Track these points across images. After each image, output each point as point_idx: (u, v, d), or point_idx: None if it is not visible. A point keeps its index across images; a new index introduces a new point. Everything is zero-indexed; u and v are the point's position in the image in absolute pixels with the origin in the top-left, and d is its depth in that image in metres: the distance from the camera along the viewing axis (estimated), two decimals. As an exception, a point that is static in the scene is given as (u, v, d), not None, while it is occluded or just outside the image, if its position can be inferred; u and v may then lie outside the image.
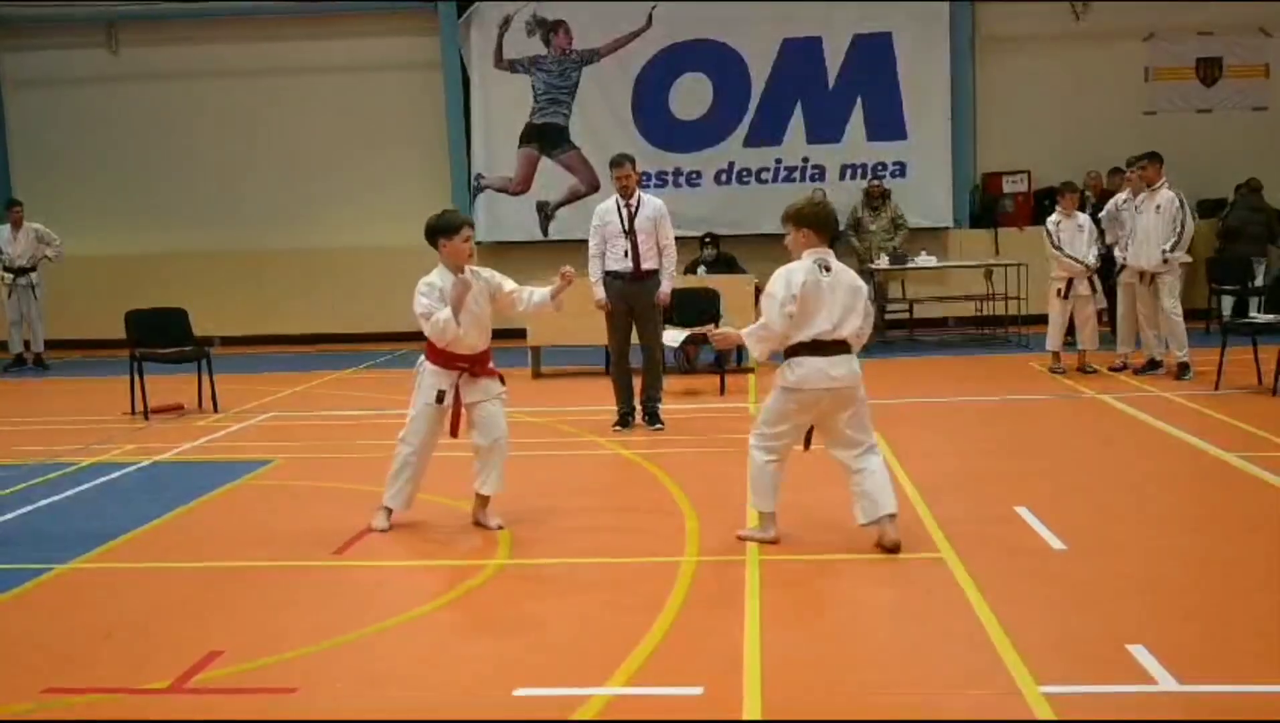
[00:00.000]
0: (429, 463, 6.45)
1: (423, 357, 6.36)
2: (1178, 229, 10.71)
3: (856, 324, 5.62)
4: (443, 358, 6.25)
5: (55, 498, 7.48)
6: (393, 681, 4.31)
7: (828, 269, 5.56)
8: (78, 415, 10.76)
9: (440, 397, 6.23)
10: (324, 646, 4.67)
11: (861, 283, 5.73)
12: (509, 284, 6.45)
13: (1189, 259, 14.55)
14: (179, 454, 8.86)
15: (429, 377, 6.28)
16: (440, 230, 6.24)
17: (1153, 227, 10.79)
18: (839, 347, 5.57)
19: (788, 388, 5.64)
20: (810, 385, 5.56)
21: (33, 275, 14.47)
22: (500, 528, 6.28)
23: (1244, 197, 15.09)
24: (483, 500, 6.38)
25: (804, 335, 5.54)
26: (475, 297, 6.20)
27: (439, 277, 6.23)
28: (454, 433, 6.31)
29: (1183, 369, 10.69)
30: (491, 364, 6.38)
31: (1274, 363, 9.61)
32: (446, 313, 6.07)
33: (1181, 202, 10.80)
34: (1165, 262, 10.74)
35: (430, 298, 6.18)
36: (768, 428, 5.76)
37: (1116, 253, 11.33)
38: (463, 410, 6.29)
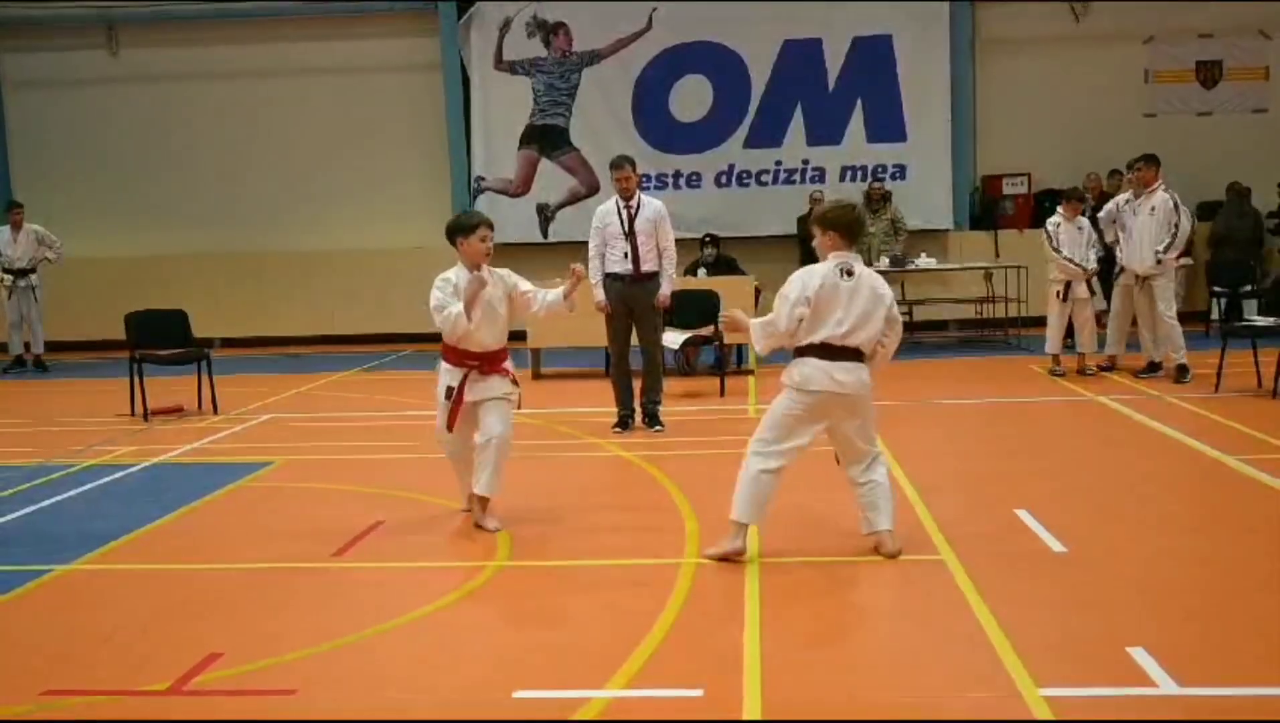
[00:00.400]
0: (471, 452, 6.50)
1: (440, 357, 6.44)
2: (1172, 230, 10.73)
3: (875, 330, 5.51)
4: (455, 356, 6.32)
5: (56, 499, 7.48)
6: (393, 682, 4.31)
7: (849, 274, 5.47)
8: (78, 417, 10.76)
9: (449, 393, 6.29)
10: (324, 647, 4.67)
11: (886, 290, 5.61)
12: (525, 285, 6.52)
13: (1190, 262, 14.60)
14: (179, 456, 8.86)
15: (443, 375, 6.36)
16: (458, 229, 6.32)
17: (1146, 228, 10.82)
18: (850, 353, 5.47)
19: (791, 387, 5.54)
20: (814, 386, 5.45)
21: (33, 277, 14.47)
22: (497, 531, 6.28)
23: (1231, 201, 15.10)
24: (480, 501, 6.37)
25: (814, 338, 5.46)
26: (491, 296, 6.25)
27: (456, 273, 6.29)
28: (449, 427, 6.35)
29: (1181, 371, 10.69)
30: (507, 364, 6.40)
31: (1274, 366, 9.62)
32: (458, 308, 6.14)
33: (1176, 203, 10.81)
34: (1159, 263, 10.76)
35: (444, 293, 6.24)
36: (769, 433, 5.60)
37: (1117, 253, 11.35)
38: (465, 407, 6.31)
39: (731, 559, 5.61)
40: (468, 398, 6.29)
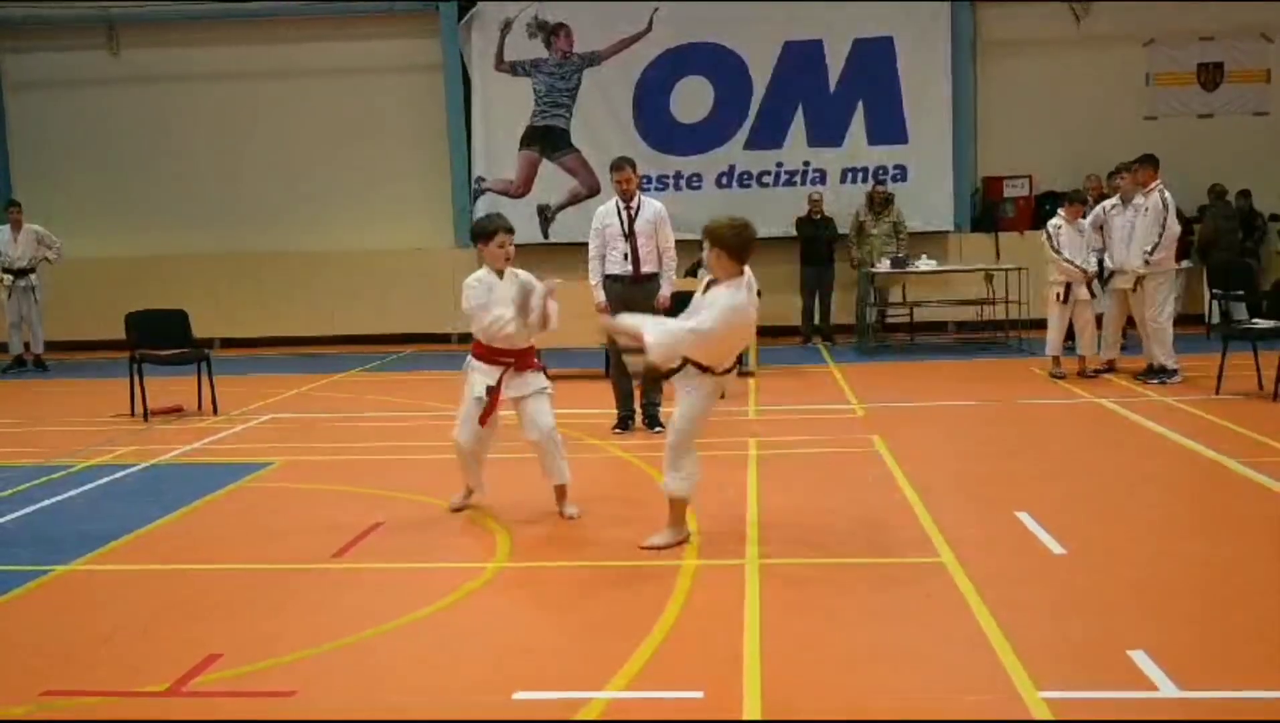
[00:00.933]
0: (488, 451, 6.74)
1: (470, 355, 6.59)
2: (1161, 231, 10.77)
3: None
4: (490, 354, 6.49)
5: (55, 499, 7.48)
6: (392, 683, 4.31)
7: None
8: (78, 417, 10.76)
9: (488, 391, 6.46)
10: (323, 648, 4.67)
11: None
12: (538, 288, 6.60)
13: (1189, 264, 14.60)
14: (179, 456, 8.86)
15: (477, 374, 6.52)
16: (478, 234, 6.60)
17: (1140, 229, 10.86)
18: None
19: (708, 396, 5.84)
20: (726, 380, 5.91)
21: (32, 277, 14.46)
22: (574, 517, 6.52)
23: (1214, 203, 15.10)
24: (559, 491, 6.60)
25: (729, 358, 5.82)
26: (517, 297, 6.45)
27: (485, 275, 6.52)
28: (483, 422, 6.52)
29: (1162, 371, 10.75)
30: (536, 360, 6.62)
31: (1274, 369, 9.62)
32: (511, 313, 6.33)
33: (1166, 204, 10.82)
34: (1147, 263, 10.80)
35: (479, 293, 6.44)
36: (694, 438, 5.90)
37: (1105, 259, 11.40)
38: (501, 403, 6.53)
39: (674, 549, 5.81)
40: (506, 395, 6.50)
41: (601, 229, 9.17)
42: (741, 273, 5.68)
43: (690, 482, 5.90)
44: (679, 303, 9.98)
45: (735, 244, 5.65)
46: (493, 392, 6.46)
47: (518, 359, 6.50)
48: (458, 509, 6.77)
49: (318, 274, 16.70)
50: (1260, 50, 15.90)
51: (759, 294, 6.05)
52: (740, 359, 6.05)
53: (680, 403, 5.90)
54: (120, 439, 9.54)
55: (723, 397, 6.08)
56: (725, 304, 5.56)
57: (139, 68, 17.01)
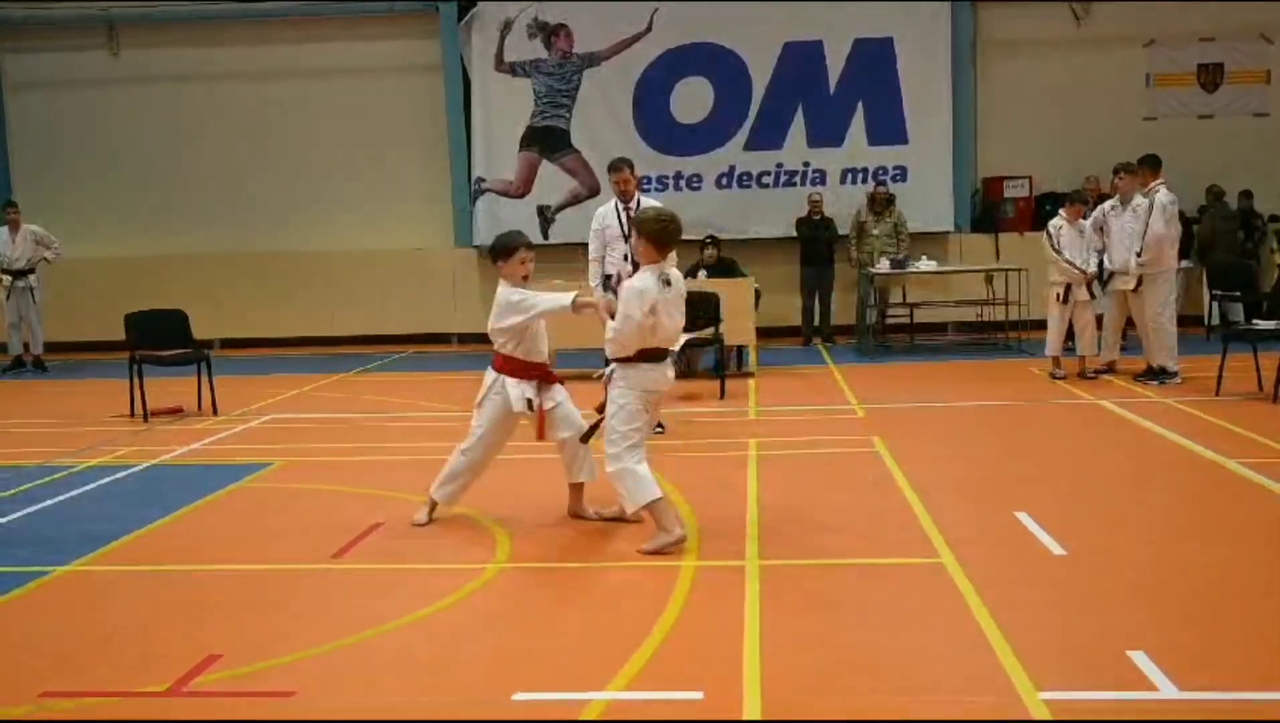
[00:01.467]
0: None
1: (493, 371, 6.48)
2: (1145, 233, 10.80)
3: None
4: (522, 369, 6.43)
5: (55, 500, 7.47)
6: (392, 684, 4.31)
7: (668, 283, 5.95)
8: (77, 418, 10.76)
9: (530, 405, 6.40)
10: (323, 648, 4.67)
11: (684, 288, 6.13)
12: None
13: (1189, 265, 14.59)
14: (179, 457, 8.86)
15: (514, 388, 6.39)
16: (498, 251, 6.52)
17: (1136, 231, 10.89)
18: (666, 352, 6.04)
19: (638, 391, 5.95)
20: (654, 387, 6.02)
21: (31, 277, 14.45)
22: (600, 518, 6.48)
23: (1212, 204, 15.09)
24: (577, 491, 6.59)
25: (648, 344, 5.91)
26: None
27: (515, 291, 6.42)
28: (540, 436, 6.50)
29: (1162, 372, 10.75)
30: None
31: (1274, 370, 9.62)
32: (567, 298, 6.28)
33: (1152, 205, 10.81)
34: (1139, 265, 10.81)
35: (523, 297, 6.38)
36: (632, 433, 5.93)
37: (1105, 260, 11.41)
38: (518, 417, 6.51)
39: (674, 550, 5.78)
40: (544, 406, 6.45)
41: (601, 230, 9.17)
42: (659, 261, 5.97)
43: (645, 488, 5.89)
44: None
45: (656, 235, 5.96)
46: (535, 405, 6.42)
47: (544, 371, 6.51)
48: (423, 524, 6.59)
49: (318, 274, 16.69)
50: (1260, 51, 15.90)
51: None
52: (684, 357, 6.16)
53: (607, 422, 5.99)
54: (120, 440, 9.54)
55: (660, 430, 6.11)
56: (632, 287, 5.90)
57: (139, 68, 17.00)
